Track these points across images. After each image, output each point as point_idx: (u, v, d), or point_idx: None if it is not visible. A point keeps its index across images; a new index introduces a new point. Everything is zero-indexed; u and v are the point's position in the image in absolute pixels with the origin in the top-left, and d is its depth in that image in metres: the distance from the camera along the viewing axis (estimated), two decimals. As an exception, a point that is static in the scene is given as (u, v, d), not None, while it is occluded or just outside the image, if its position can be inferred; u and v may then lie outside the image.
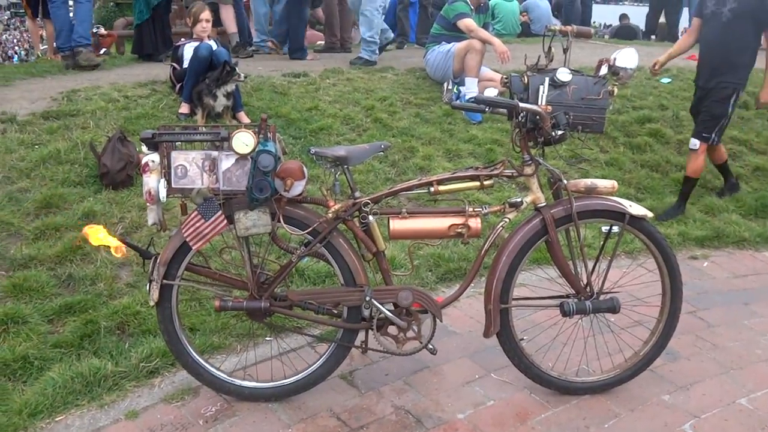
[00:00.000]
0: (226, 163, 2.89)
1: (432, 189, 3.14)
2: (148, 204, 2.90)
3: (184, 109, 5.78)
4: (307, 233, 3.04)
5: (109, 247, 3.05)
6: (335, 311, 3.24)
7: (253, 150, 2.84)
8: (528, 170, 3.18)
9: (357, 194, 3.14)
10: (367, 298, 3.08)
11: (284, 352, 3.55)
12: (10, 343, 3.49)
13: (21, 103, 5.80)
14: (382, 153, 3.60)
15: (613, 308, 3.25)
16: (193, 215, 2.91)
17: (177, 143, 2.90)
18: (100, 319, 3.74)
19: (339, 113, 6.35)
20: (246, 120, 5.72)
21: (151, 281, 3.03)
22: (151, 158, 2.87)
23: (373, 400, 3.36)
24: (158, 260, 3.03)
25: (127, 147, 4.85)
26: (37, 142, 5.16)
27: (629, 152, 6.72)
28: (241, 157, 2.88)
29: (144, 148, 2.89)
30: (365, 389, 3.43)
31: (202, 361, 3.22)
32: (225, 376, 3.25)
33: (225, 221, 2.92)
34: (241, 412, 3.21)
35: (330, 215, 3.05)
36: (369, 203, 3.12)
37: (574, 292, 3.31)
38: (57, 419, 3.08)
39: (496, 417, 3.27)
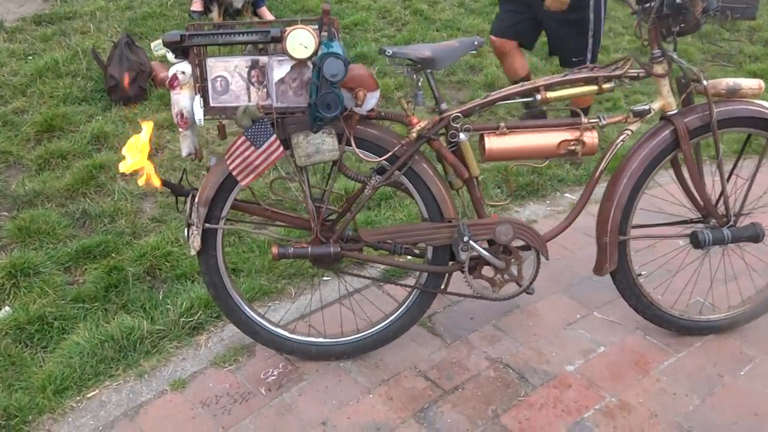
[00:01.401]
0: (279, 71, 2.20)
1: (539, 96, 2.46)
2: (180, 129, 2.23)
3: (197, 5, 4.98)
4: (385, 159, 2.38)
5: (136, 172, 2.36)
6: (416, 251, 2.64)
7: (315, 53, 2.14)
8: (659, 69, 2.48)
9: (443, 106, 2.46)
10: (464, 237, 2.45)
11: (351, 293, 2.96)
12: (22, 300, 2.91)
13: (7, 6, 5.00)
14: (474, 52, 2.86)
15: (756, 236, 2.63)
16: (238, 142, 2.24)
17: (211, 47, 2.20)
18: (125, 264, 3.15)
19: (373, 5, 5.53)
20: (269, 17, 4.92)
21: (189, 225, 2.41)
22: (181, 68, 2.17)
23: (462, 351, 2.80)
24: (196, 199, 2.39)
25: (137, 53, 4.12)
26: (30, 52, 4.42)
27: None
28: (299, 64, 2.19)
29: (169, 56, 2.19)
30: (451, 338, 2.87)
31: (258, 317, 2.64)
32: (286, 333, 2.68)
33: (281, 147, 2.26)
34: (308, 375, 2.66)
35: (413, 135, 2.38)
36: (459, 117, 2.44)
37: (702, 216, 2.69)
38: (89, 395, 2.53)
39: (612, 367, 2.72)
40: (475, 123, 2.52)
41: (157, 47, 4.41)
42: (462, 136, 2.46)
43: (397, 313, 2.70)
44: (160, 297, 3.02)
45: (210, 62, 2.18)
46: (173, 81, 2.17)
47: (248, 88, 2.21)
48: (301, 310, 3.00)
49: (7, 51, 4.38)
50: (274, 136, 2.24)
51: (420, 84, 2.41)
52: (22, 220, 3.27)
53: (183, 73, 2.17)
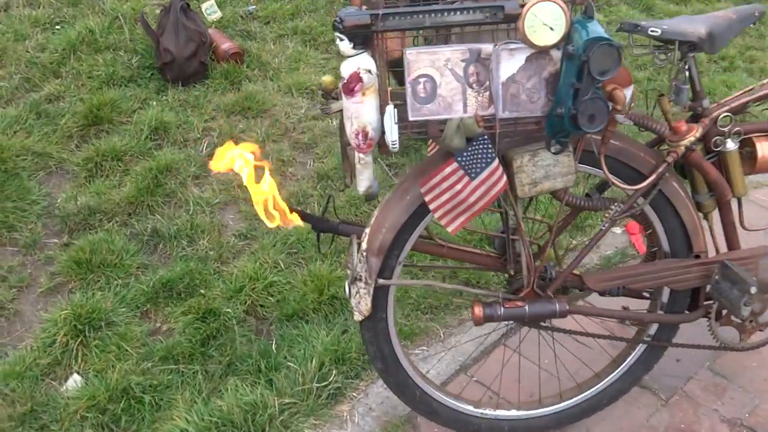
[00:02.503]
0: (509, 65, 1.45)
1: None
2: (359, 154, 1.49)
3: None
4: (648, 185, 1.65)
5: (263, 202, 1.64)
6: (646, 295, 1.95)
7: (565, 36, 1.40)
8: None
9: (705, 102, 1.72)
10: (749, 287, 1.74)
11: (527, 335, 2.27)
12: (96, 364, 2.20)
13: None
14: (752, 25, 2.09)
15: None
16: (446, 171, 1.51)
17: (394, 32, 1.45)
18: (219, 303, 2.43)
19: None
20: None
21: (355, 281, 1.69)
22: (365, 64, 1.42)
23: (688, 411, 2.14)
24: (364, 246, 1.66)
25: (194, 20, 3.30)
26: (57, 20, 3.57)
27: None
28: (538, 54, 1.44)
29: (342, 45, 1.43)
30: (665, 391, 2.21)
31: (437, 392, 1.95)
32: (471, 407, 1.99)
33: (504, 177, 1.53)
34: (499, 463, 1.98)
35: (681, 146, 1.65)
36: (729, 116, 1.71)
37: None
38: None
39: None
40: (744, 124, 1.78)
41: (210, 9, 3.59)
42: (730, 143, 1.73)
43: (616, 372, 2.03)
44: (274, 349, 2.31)
45: (410, 55, 1.42)
46: (353, 84, 1.42)
47: (464, 92, 1.45)
48: (459, 359, 2.32)
49: (29, 19, 3.53)
50: (497, 161, 1.51)
51: (686, 74, 1.66)
52: (79, 250, 2.52)
53: (368, 72, 1.41)
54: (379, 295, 1.74)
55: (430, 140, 1.72)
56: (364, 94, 1.43)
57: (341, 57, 1.51)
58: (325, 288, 2.50)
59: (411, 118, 1.45)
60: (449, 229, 1.56)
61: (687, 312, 1.94)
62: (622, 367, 2.02)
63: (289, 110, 3.38)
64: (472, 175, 1.50)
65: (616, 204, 1.72)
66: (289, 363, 2.24)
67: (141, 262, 2.58)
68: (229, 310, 2.42)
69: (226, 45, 3.42)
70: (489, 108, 1.47)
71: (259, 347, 2.32)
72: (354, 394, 2.20)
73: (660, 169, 1.64)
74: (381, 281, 1.70)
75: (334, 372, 2.22)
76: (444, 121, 1.47)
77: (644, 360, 2.02)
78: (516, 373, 2.21)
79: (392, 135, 1.44)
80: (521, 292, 1.79)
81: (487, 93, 1.46)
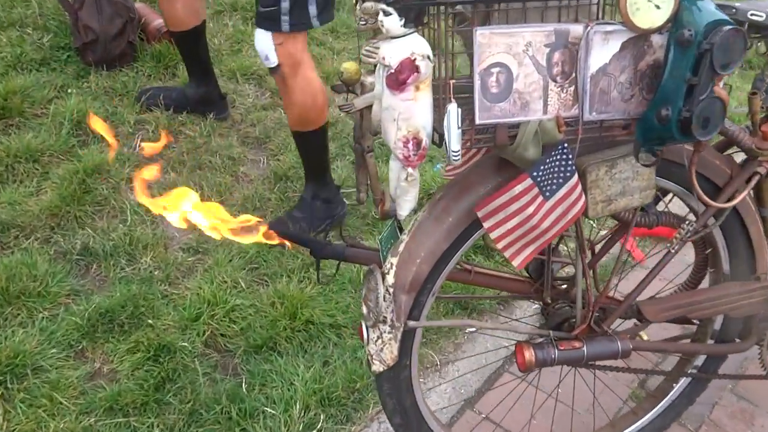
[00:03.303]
0: (601, 53, 1.12)
1: None
2: (408, 169, 1.14)
3: None
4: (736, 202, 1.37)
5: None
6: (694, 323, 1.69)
7: (672, 18, 1.09)
8: None
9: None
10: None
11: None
12: (25, 427, 1.74)
13: None
14: None
15: None
16: (514, 187, 1.17)
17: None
18: (172, 336, 2.01)
19: None
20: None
21: (377, 324, 1.33)
22: (421, 49, 1.05)
23: (721, 444, 1.91)
24: (391, 280, 1.31)
25: (121, -7, 2.80)
26: (-56, -9, 2.98)
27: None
28: (638, 39, 1.12)
29: (387, 21, 1.06)
30: (692, 421, 1.96)
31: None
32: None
33: (583, 197, 1.21)
34: None
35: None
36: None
37: None
38: None
39: None
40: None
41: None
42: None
43: (657, 408, 1.76)
44: (245, 390, 1.92)
45: (481, 36, 1.06)
46: (405, 74, 1.05)
47: (545, 87, 1.12)
48: (462, 392, 2.01)
49: None
50: (576, 176, 1.18)
51: (776, 63, 1.39)
52: (-8, 276, 2.03)
53: (426, 58, 1.05)
54: (405, 339, 1.39)
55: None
56: (418, 88, 1.07)
57: (361, 35, 1.15)
58: (297, 311, 2.13)
59: (479, 121, 1.10)
60: (515, 263, 1.23)
61: (736, 341, 1.70)
62: (664, 402, 1.76)
63: (235, 98, 2.94)
64: (547, 193, 1.17)
65: (687, 222, 1.44)
66: (265, 408, 1.86)
67: (71, 288, 2.10)
68: (186, 344, 2.00)
69: (157, 22, 2.93)
70: (573, 108, 1.14)
71: (226, 389, 1.91)
72: (347, 439, 1.84)
73: (752, 182, 1.36)
74: (411, 324, 1.35)
75: (321, 417, 1.86)
76: (514, 125, 1.14)
77: (688, 393, 1.77)
78: (528, 405, 1.91)
79: (454, 143, 1.08)
80: (573, 328, 1.49)
81: (572, 88, 1.13)
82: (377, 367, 1.38)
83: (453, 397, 2.01)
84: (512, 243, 1.21)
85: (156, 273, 2.21)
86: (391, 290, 1.32)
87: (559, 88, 1.12)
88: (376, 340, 1.36)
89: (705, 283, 1.70)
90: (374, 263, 1.45)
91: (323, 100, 2.30)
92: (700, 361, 1.72)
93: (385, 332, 1.35)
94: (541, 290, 1.57)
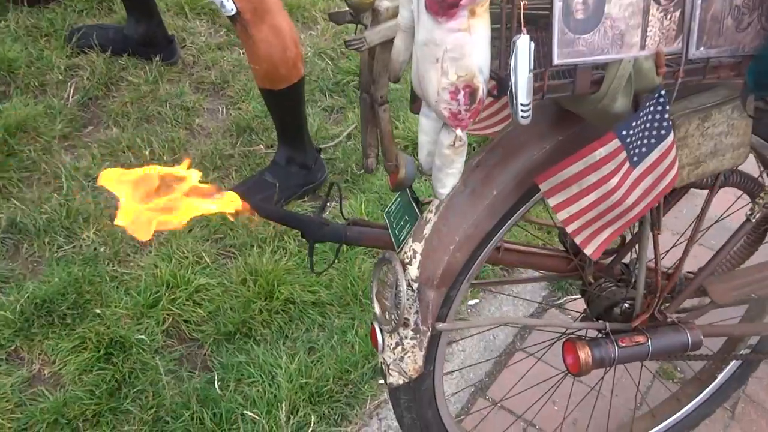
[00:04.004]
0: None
1: None
2: (457, 131, 0.81)
3: None
4: None
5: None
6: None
7: None
8: None
9: None
10: None
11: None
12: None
13: None
14: None
15: None
16: (594, 152, 0.86)
17: None
18: (126, 327, 1.68)
19: None
20: None
21: (396, 328, 1.03)
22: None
23: (760, 424, 1.72)
24: (420, 274, 1.00)
25: None
26: None
27: None
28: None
29: None
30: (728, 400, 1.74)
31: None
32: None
33: (677, 160, 0.91)
34: None
35: None
36: None
37: None
38: None
39: None
40: None
41: None
42: None
43: (704, 394, 1.52)
44: (218, 389, 1.61)
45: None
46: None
47: (645, 14, 0.80)
48: (471, 377, 1.74)
49: None
50: (672, 135, 0.88)
51: None
52: None
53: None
54: (430, 344, 1.09)
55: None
56: (474, 13, 0.74)
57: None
58: (273, 289, 1.81)
59: (558, 60, 0.77)
60: (589, 251, 0.93)
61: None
62: (712, 386, 1.52)
63: (185, 37, 2.53)
64: (635, 159, 0.87)
65: (774, 183, 1.16)
66: (245, 411, 1.56)
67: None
68: (143, 336, 1.67)
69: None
70: (675, 42, 0.83)
71: (195, 389, 1.60)
72: (341, 444, 1.56)
73: None
74: (440, 327, 1.06)
75: (312, 419, 1.57)
76: (600, 67, 0.82)
77: (739, 376, 1.53)
78: (546, 387, 1.65)
79: (525, 93, 0.76)
80: (627, 316, 1.21)
81: (677, 13, 0.81)
82: (396, 379, 1.09)
83: (461, 382, 1.75)
84: (586, 225, 0.91)
85: (101, 250, 1.86)
86: (414, 286, 1.01)
87: (662, 13, 0.80)
88: (395, 348, 1.07)
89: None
90: (385, 246, 1.14)
91: (296, 53, 1.89)
92: (754, 340, 1.48)
93: (406, 338, 1.05)
94: (581, 268, 1.29)
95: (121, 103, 2.27)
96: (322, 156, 2.15)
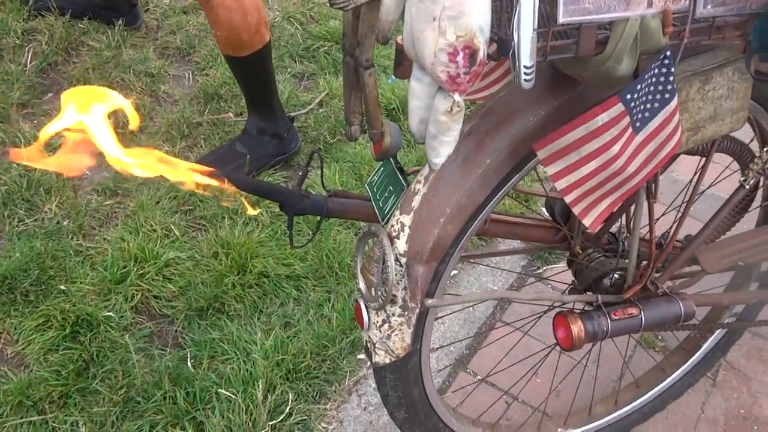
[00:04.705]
0: None
1: None
2: (455, 96, 0.75)
3: None
4: None
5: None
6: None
7: None
8: None
9: None
10: None
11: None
12: None
13: None
14: None
15: None
16: (596, 117, 0.81)
17: None
18: (93, 303, 1.61)
19: None
20: None
21: (383, 305, 0.98)
22: None
23: (740, 390, 1.72)
24: (408, 248, 0.96)
25: None
26: None
27: None
28: None
29: None
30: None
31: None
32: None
33: (680, 125, 0.86)
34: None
35: None
36: None
37: None
38: None
39: None
40: None
41: None
42: None
43: (688, 363, 1.51)
44: (191, 367, 1.55)
45: None
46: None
47: (653, -35, 0.75)
48: (450, 348, 1.71)
49: None
50: (676, 99, 0.84)
51: None
52: None
53: None
54: (418, 320, 1.05)
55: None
56: (473, -32, 0.68)
57: None
58: (246, 262, 1.75)
59: (563, 19, 0.72)
60: (587, 221, 0.89)
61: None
62: (696, 355, 1.51)
63: (148, 1, 2.42)
64: (638, 124, 0.82)
65: (766, 150, 1.13)
66: (219, 389, 1.50)
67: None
68: (111, 313, 1.61)
69: None
70: (683, 0, 0.78)
71: (167, 367, 1.54)
72: (324, 425, 1.52)
73: None
74: (429, 303, 1.01)
75: (290, 396, 1.52)
76: (604, 27, 0.77)
77: (723, 345, 1.52)
78: (531, 362, 1.62)
79: (528, 54, 0.71)
80: (617, 288, 1.18)
81: (686, -33, 0.76)
82: (382, 358, 1.05)
83: (443, 358, 1.71)
84: (585, 195, 0.86)
85: (65, 224, 1.78)
86: (403, 260, 0.96)
87: (670, -34, 0.75)
88: (381, 326, 1.02)
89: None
90: (367, 219, 1.09)
91: (258, 18, 1.80)
92: (739, 308, 1.47)
93: (394, 315, 1.00)
94: (568, 238, 1.26)
95: (82, 69, 2.16)
96: (294, 125, 2.08)
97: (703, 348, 1.50)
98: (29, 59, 2.11)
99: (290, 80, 2.32)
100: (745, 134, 1.18)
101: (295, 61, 2.39)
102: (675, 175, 2.11)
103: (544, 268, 1.93)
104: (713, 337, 1.49)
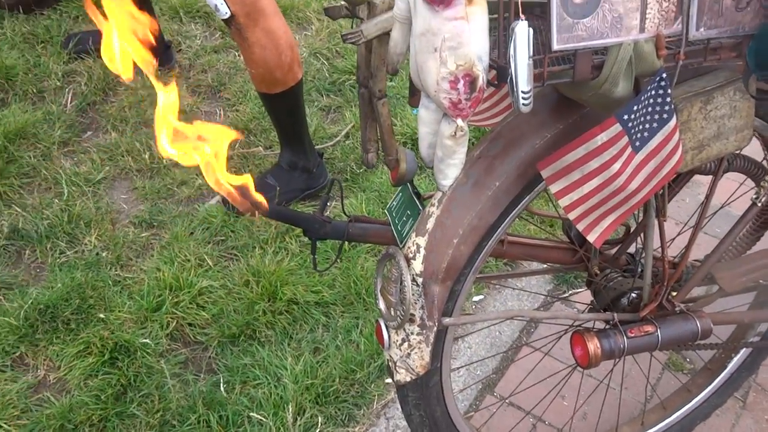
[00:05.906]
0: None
1: None
2: (458, 121, 0.80)
3: None
4: None
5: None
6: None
7: None
8: None
9: None
10: None
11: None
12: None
13: None
14: None
15: None
16: (595, 137, 0.85)
17: None
18: (129, 331, 1.68)
19: None
20: None
21: (402, 324, 1.02)
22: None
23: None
24: (424, 268, 0.99)
25: None
26: None
27: None
28: None
29: None
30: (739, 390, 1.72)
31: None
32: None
33: (680, 146, 0.90)
34: None
35: None
36: None
37: None
38: None
39: None
40: None
41: None
42: None
43: (714, 383, 1.51)
44: (224, 392, 1.60)
45: None
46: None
47: (645, -6, 0.79)
48: (478, 373, 1.73)
49: None
50: (675, 119, 0.87)
51: None
52: None
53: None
54: (436, 339, 1.08)
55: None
56: (471, 1, 0.73)
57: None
58: (276, 290, 1.81)
59: (557, 46, 0.77)
60: (591, 238, 0.92)
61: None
62: (722, 375, 1.51)
63: (180, 41, 2.53)
64: (638, 143, 0.86)
65: (777, 167, 1.16)
66: (251, 413, 1.55)
67: (1, 282, 1.74)
68: (147, 340, 1.67)
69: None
70: (675, 23, 0.82)
71: (201, 392, 1.60)
72: (357, 450, 1.55)
73: None
74: (447, 321, 1.05)
75: (320, 419, 1.56)
76: (600, 52, 0.81)
77: (749, 365, 1.52)
78: (551, 383, 1.63)
79: (525, 80, 0.76)
80: (635, 307, 1.20)
81: (676, -3, 0.81)
82: (403, 376, 1.08)
83: (468, 379, 1.73)
84: (588, 212, 0.90)
85: (104, 255, 1.85)
86: (419, 280, 1.00)
87: (661, -5, 0.80)
88: (401, 344, 1.06)
89: None
90: (387, 242, 1.14)
91: (292, 57, 1.87)
92: (764, 326, 1.47)
93: (412, 334, 1.04)
94: (586, 259, 1.28)
95: (119, 107, 2.26)
96: (324, 162, 2.14)
97: (728, 368, 1.50)
98: (69, 99, 2.22)
99: (317, 113, 2.39)
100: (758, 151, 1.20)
101: (322, 95, 2.47)
102: (701, 197, 2.12)
103: (570, 292, 1.94)
104: (738, 356, 1.49)
